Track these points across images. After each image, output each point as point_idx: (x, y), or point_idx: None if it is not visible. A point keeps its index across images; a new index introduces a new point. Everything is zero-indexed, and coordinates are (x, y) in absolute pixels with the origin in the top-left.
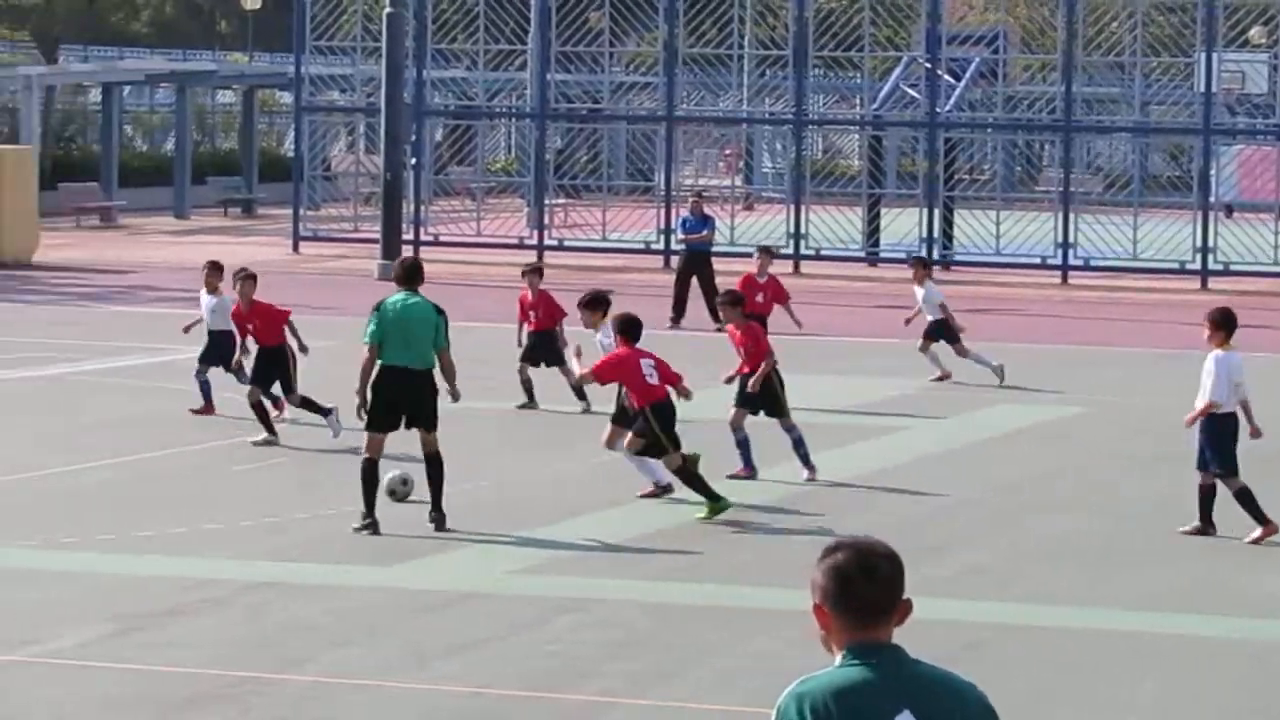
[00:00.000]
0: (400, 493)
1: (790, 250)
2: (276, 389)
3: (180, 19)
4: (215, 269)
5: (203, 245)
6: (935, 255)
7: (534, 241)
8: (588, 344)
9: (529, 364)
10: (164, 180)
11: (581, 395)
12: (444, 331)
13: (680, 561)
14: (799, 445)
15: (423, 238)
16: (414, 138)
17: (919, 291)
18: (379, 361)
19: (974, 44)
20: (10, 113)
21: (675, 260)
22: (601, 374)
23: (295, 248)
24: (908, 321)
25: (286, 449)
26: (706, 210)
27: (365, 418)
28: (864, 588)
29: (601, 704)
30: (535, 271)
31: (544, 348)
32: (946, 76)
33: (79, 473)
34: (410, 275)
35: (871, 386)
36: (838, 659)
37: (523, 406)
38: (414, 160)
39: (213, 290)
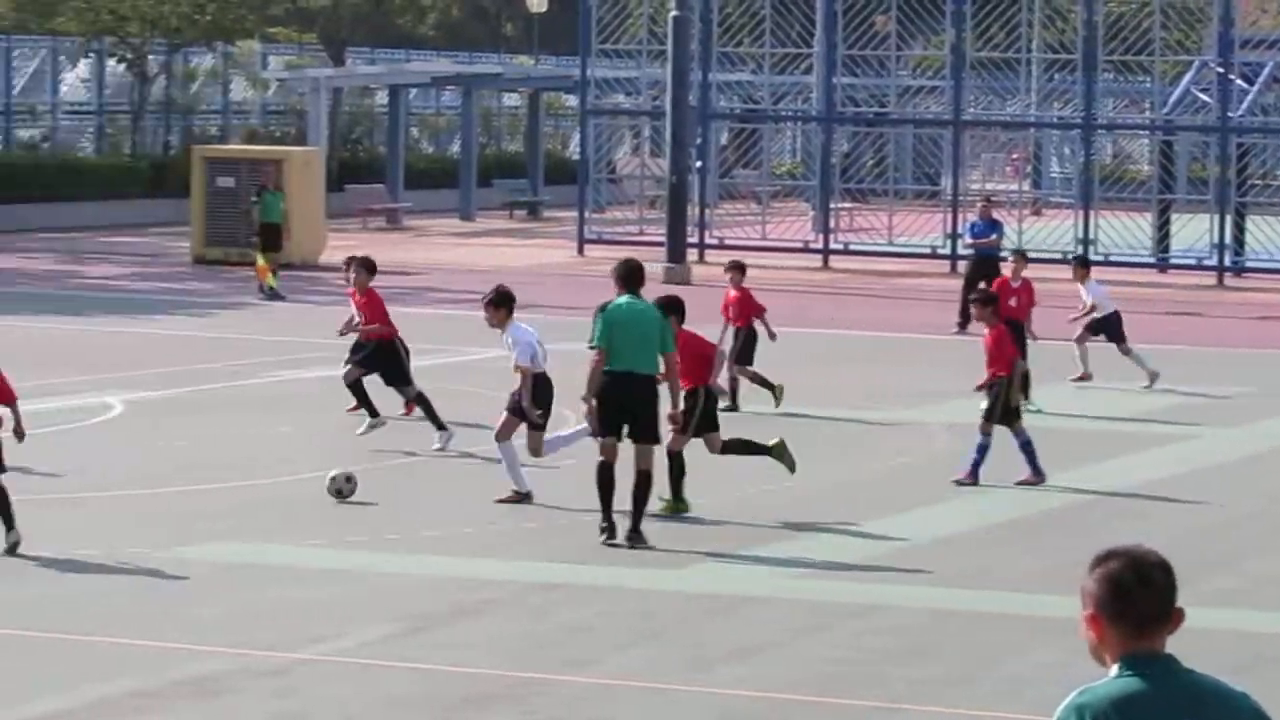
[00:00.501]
0: (345, 490)
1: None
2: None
3: (466, 21)
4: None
5: (488, 248)
6: (1227, 262)
7: (819, 245)
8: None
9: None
10: (449, 182)
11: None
12: (670, 335)
13: (964, 568)
14: (1009, 448)
15: (707, 241)
16: (699, 141)
17: (1082, 290)
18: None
19: (1267, 48)
20: (298, 115)
21: (961, 265)
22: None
23: (580, 250)
24: (1074, 320)
25: (569, 452)
26: (995, 215)
27: (593, 424)
28: (1140, 596)
29: (887, 710)
30: (736, 268)
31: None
32: (1239, 81)
33: (367, 471)
34: (632, 278)
35: (1154, 395)
36: (1113, 670)
37: (726, 409)
38: (699, 163)
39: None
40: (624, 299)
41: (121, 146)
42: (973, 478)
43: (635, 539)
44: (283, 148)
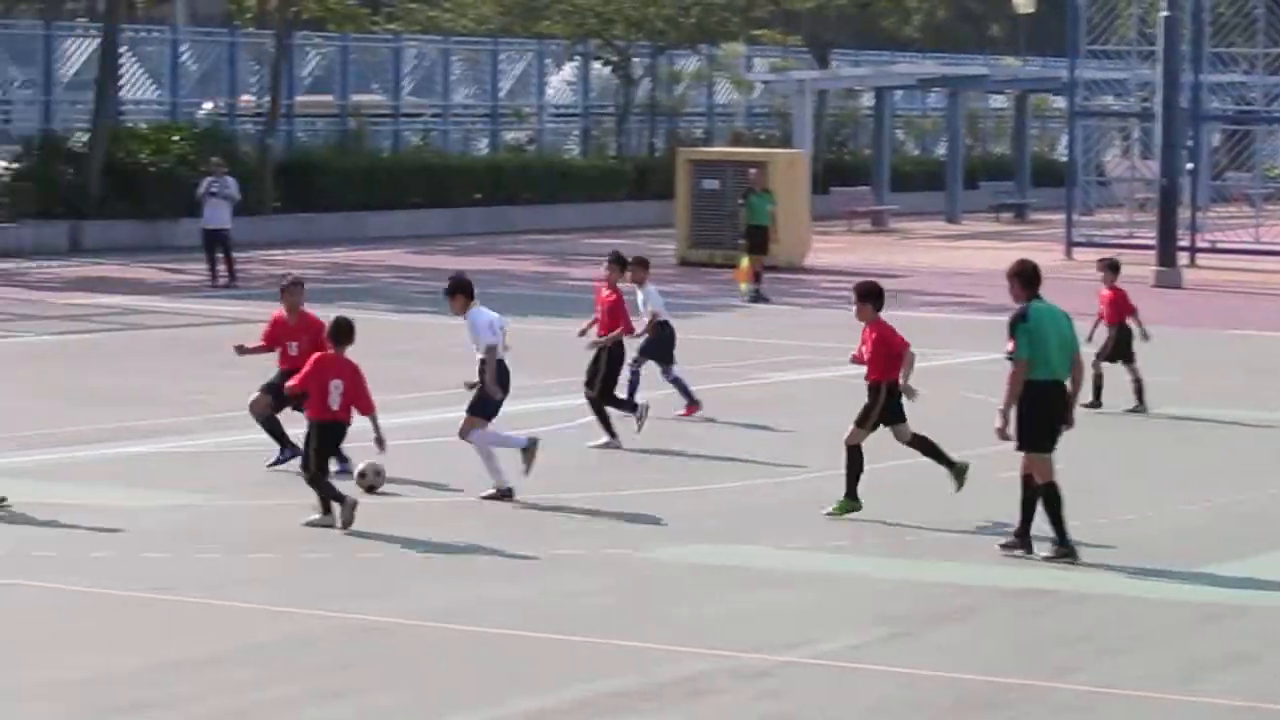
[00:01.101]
0: (375, 484)
1: None
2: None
3: (952, 23)
4: (640, 264)
5: (974, 250)
6: None
7: None
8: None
9: (1106, 361)
10: (935, 185)
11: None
12: (1076, 335)
13: None
14: None
15: (1199, 245)
16: (1190, 143)
17: None
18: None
19: None
20: (783, 117)
21: None
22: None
23: (1068, 253)
24: None
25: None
26: None
27: (1015, 438)
28: None
29: None
30: (1109, 267)
31: (1115, 344)
32: None
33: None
34: (1036, 280)
35: None
36: None
37: (1089, 405)
38: (1190, 166)
39: (640, 281)
40: (1039, 304)
41: (606, 149)
42: None
43: (1067, 554)
44: (767, 150)
